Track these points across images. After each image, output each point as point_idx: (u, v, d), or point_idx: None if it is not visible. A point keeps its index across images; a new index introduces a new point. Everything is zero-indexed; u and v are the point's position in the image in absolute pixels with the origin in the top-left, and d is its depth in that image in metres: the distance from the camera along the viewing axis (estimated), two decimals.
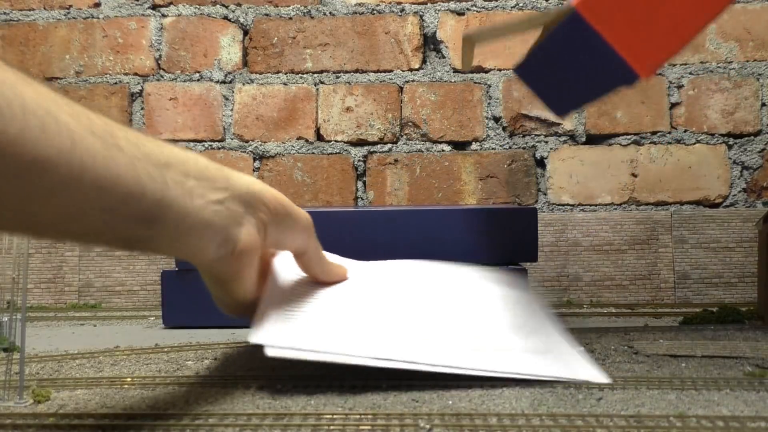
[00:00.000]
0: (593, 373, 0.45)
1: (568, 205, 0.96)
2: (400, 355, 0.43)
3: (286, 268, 0.50)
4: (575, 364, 0.46)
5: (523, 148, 0.96)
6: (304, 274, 0.50)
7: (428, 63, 0.97)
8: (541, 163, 0.96)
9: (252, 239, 0.42)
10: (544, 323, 0.53)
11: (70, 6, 0.99)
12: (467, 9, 0.97)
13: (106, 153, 0.33)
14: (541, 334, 0.51)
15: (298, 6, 0.98)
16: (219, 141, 0.98)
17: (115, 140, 0.33)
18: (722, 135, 0.95)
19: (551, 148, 0.96)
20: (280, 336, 0.42)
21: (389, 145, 0.97)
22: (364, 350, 0.43)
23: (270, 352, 0.41)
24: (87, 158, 0.31)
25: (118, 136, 0.34)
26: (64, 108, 0.32)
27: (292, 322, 0.45)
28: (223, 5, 0.99)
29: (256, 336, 0.42)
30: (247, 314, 0.46)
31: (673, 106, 0.95)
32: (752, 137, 0.94)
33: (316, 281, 0.50)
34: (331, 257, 0.52)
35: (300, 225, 0.45)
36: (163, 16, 0.99)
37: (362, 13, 0.98)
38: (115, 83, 0.99)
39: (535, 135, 0.96)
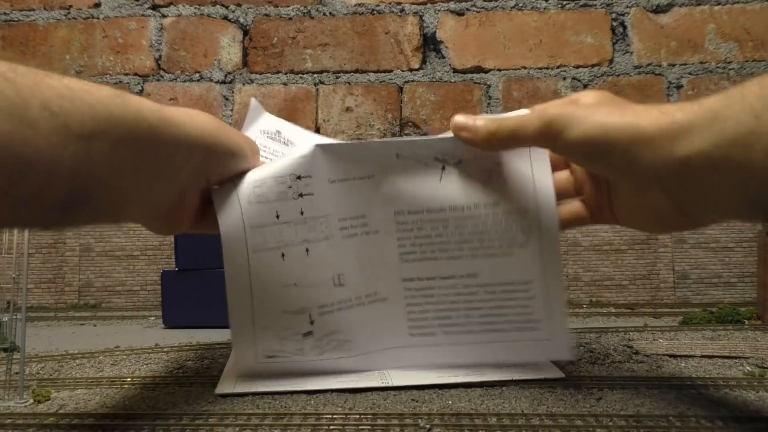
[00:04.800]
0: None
1: None
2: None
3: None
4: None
5: None
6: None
7: (428, 63, 0.98)
8: None
9: (191, 197, 0.40)
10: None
11: (70, 6, 0.99)
12: (467, 9, 0.97)
13: (15, 133, 0.27)
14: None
15: (298, 6, 0.98)
16: None
17: (26, 114, 0.27)
18: None
19: None
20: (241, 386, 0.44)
21: None
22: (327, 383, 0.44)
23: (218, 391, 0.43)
24: None
25: (31, 106, 0.27)
26: None
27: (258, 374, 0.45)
28: (223, 5, 0.99)
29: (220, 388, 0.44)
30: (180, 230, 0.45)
31: None
32: None
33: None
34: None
35: (245, 159, 0.43)
36: (163, 16, 0.99)
37: (362, 13, 0.98)
38: (115, 83, 0.99)
39: None
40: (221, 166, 0.41)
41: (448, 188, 0.44)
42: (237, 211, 0.42)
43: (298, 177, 0.43)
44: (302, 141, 0.55)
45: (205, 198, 0.43)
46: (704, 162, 0.32)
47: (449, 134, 0.43)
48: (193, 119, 0.37)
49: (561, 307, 0.44)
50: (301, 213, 0.42)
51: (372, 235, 0.44)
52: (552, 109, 0.39)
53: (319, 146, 0.44)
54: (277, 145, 0.55)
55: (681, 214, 0.37)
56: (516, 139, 0.40)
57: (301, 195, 0.43)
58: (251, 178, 0.43)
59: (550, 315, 0.44)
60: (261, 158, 0.47)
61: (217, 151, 0.39)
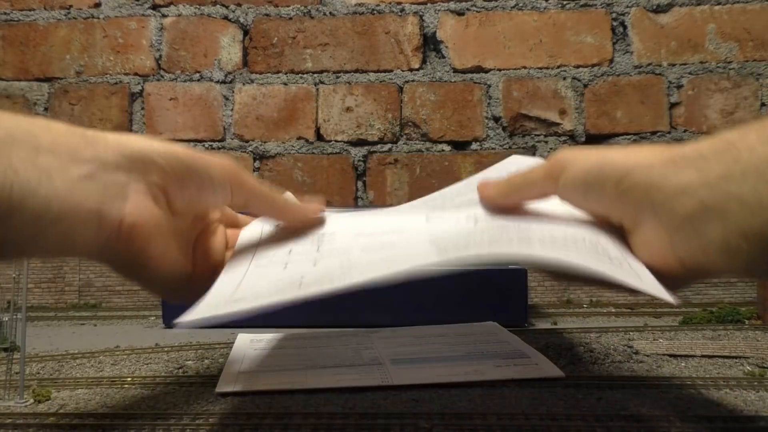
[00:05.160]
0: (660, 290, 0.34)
1: None
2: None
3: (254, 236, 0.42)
4: (645, 278, 0.36)
5: (523, 147, 0.96)
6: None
7: (428, 63, 0.98)
8: None
9: (143, 211, 0.34)
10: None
11: (71, 6, 0.99)
12: (467, 9, 0.97)
13: None
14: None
15: (298, 6, 0.98)
16: (219, 141, 0.98)
17: None
18: None
19: (551, 148, 0.96)
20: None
21: (389, 145, 0.97)
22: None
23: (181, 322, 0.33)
24: None
25: None
26: None
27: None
28: (223, 5, 0.99)
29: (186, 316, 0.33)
30: (191, 297, 0.37)
31: (672, 106, 0.95)
32: None
33: (285, 224, 0.43)
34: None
35: (214, 178, 0.37)
36: (163, 16, 0.99)
37: (362, 13, 0.98)
38: (116, 83, 0.99)
39: (535, 135, 0.96)
40: (168, 173, 0.35)
41: (485, 227, 0.40)
42: (250, 251, 0.40)
43: (323, 234, 0.42)
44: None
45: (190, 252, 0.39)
46: (708, 191, 0.29)
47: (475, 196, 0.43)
48: (112, 134, 0.34)
49: (638, 261, 0.36)
50: (318, 250, 0.40)
51: (399, 248, 0.39)
52: (558, 153, 0.38)
53: (348, 219, 0.43)
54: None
55: (679, 263, 0.33)
56: (528, 182, 0.40)
57: (321, 242, 0.41)
58: (275, 238, 0.42)
59: (628, 261, 0.36)
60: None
61: (152, 155, 0.34)
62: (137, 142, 0.34)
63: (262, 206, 0.41)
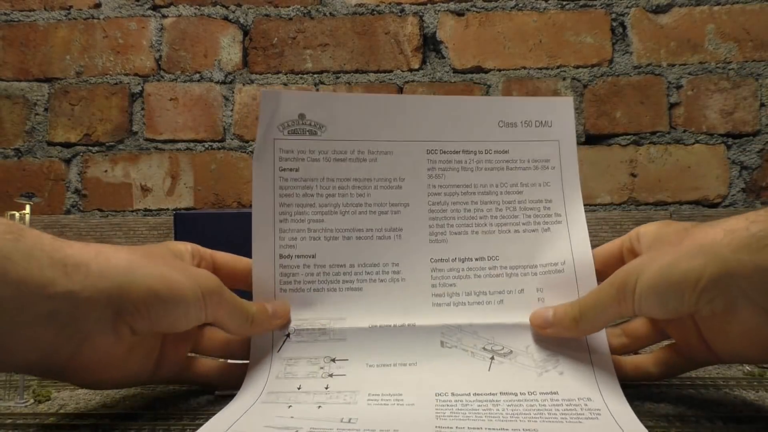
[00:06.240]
0: None
1: None
2: None
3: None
4: None
5: None
6: None
7: (428, 63, 0.98)
8: None
9: (99, 349, 0.33)
10: None
11: (71, 6, 0.99)
12: (467, 9, 0.97)
13: None
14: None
15: (298, 6, 0.98)
16: (219, 141, 0.98)
17: None
18: (721, 135, 0.95)
19: None
20: None
21: None
22: None
23: None
24: None
25: None
26: None
27: None
28: (223, 6, 0.99)
29: None
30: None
31: (672, 106, 0.95)
32: (751, 137, 0.94)
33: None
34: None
35: (190, 304, 0.36)
36: (164, 16, 0.99)
37: (362, 13, 0.98)
38: (116, 83, 0.99)
39: None
40: (142, 311, 0.34)
41: (499, 377, 0.40)
42: (262, 381, 0.41)
43: (333, 360, 0.42)
44: (333, 118, 0.46)
45: (152, 351, 0.38)
46: None
47: (497, 320, 0.42)
48: (100, 255, 0.33)
49: None
50: (326, 388, 0.40)
51: (406, 407, 0.39)
52: (620, 272, 0.37)
53: (360, 330, 0.42)
54: (303, 143, 0.46)
55: None
56: (601, 314, 0.38)
57: (330, 375, 0.41)
58: (286, 355, 0.42)
59: None
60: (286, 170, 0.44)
61: (130, 292, 0.33)
62: (117, 275, 0.33)
63: (234, 321, 0.40)
